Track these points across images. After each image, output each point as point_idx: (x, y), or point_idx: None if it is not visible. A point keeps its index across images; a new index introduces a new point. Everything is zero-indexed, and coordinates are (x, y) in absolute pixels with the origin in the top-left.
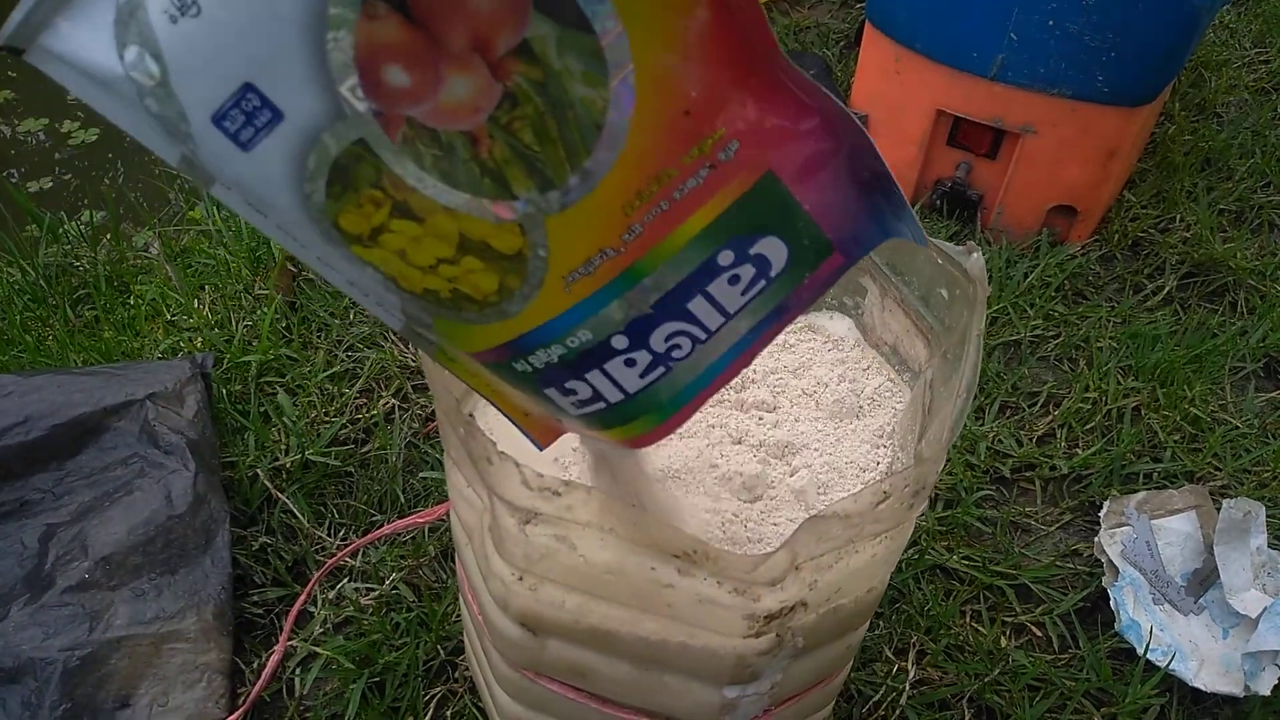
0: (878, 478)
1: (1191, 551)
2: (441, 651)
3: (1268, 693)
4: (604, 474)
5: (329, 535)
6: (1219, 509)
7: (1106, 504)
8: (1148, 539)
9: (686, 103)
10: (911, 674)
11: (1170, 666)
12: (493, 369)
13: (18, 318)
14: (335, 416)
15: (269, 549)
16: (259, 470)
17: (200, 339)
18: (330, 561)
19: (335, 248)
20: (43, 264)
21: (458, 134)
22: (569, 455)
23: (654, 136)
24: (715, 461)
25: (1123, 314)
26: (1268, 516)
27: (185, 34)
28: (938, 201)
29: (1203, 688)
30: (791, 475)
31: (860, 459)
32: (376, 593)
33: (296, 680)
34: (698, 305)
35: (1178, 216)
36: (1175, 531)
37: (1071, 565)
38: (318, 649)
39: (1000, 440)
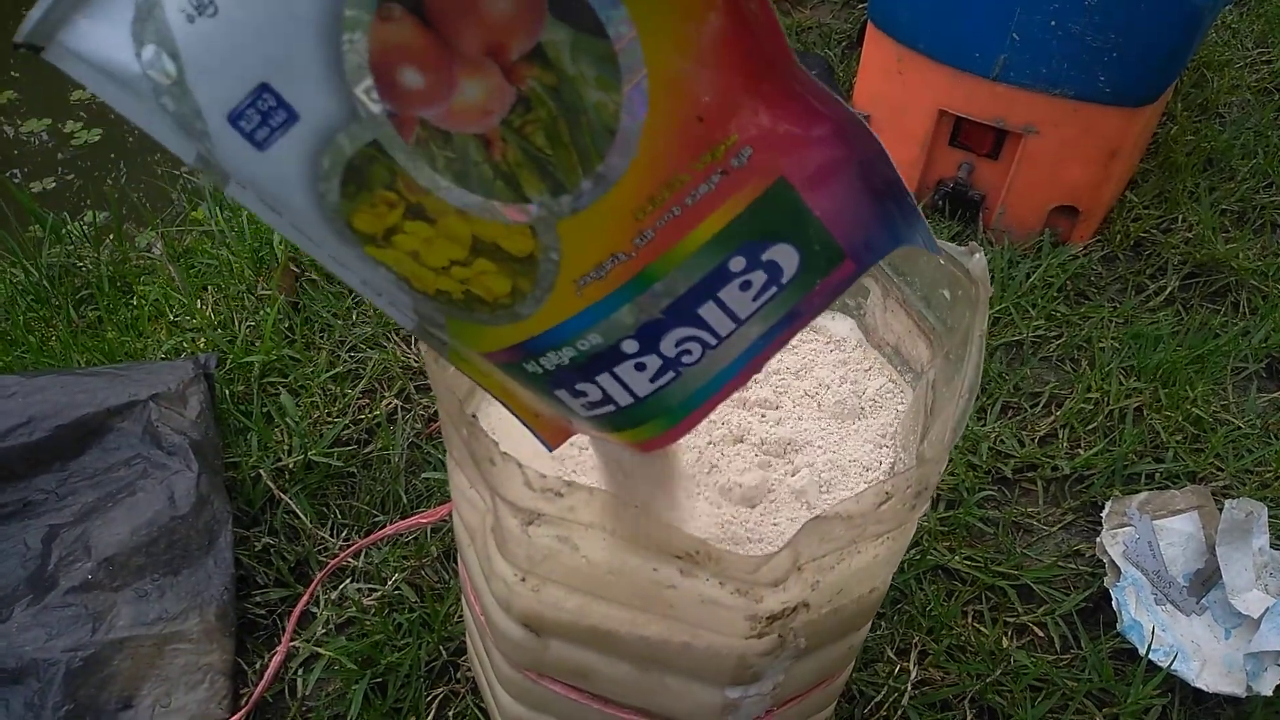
0: (881, 476)
1: (1194, 552)
2: (444, 652)
3: (1270, 693)
4: (614, 475)
5: (331, 536)
6: (1221, 509)
7: (1108, 504)
8: (1150, 539)
9: (699, 108)
10: (913, 674)
11: (1172, 667)
12: (504, 369)
13: (21, 318)
14: (338, 417)
15: (271, 550)
16: (262, 471)
17: (203, 339)
18: (333, 562)
19: (349, 248)
20: (46, 264)
21: (471, 137)
22: (575, 456)
23: (666, 142)
24: (716, 462)
25: (1125, 314)
26: (1270, 517)
27: (202, 33)
28: (940, 202)
29: (1205, 688)
30: (793, 475)
31: (864, 457)
32: (379, 593)
33: (299, 681)
34: (709, 311)
35: (1180, 217)
36: (1177, 532)
37: (1073, 566)
38: (320, 650)
39: (1002, 441)
